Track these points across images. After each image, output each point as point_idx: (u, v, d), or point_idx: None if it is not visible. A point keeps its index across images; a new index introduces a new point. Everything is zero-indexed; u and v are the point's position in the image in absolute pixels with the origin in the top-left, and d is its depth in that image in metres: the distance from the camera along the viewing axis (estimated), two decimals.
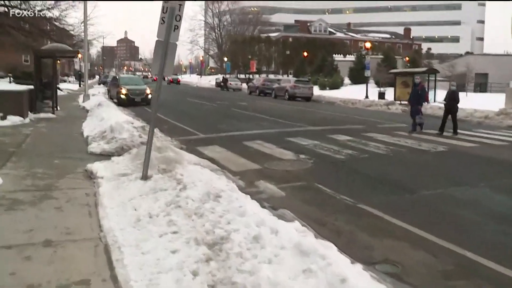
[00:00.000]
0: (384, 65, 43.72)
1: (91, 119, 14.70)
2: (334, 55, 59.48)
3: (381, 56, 49.31)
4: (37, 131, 12.85)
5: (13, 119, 14.19)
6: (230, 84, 49.56)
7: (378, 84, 41.40)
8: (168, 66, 6.25)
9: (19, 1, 31.33)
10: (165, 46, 6.10)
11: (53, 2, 31.39)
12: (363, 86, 45.40)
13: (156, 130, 10.96)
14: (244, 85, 51.85)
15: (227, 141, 12.26)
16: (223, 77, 57.73)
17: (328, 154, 10.51)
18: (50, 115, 16.57)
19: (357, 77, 48.58)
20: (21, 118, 14.49)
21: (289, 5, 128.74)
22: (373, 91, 37.42)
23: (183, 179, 6.08)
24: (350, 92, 39.54)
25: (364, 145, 11.95)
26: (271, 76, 60.06)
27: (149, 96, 24.26)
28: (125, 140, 9.91)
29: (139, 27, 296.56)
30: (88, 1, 25.22)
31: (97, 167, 7.58)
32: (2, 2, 31.02)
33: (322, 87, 45.93)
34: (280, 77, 65.35)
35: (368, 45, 40.46)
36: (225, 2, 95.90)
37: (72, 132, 12.75)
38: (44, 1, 32.13)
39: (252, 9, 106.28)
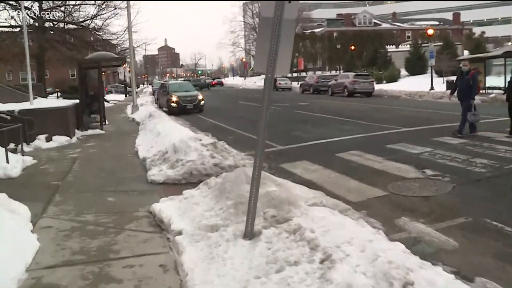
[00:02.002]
0: (446, 52, 39.96)
1: (145, 134, 12.66)
2: (386, 46, 55.84)
3: (440, 43, 45.39)
4: (85, 153, 10.89)
5: (59, 140, 12.38)
6: (280, 83, 46.97)
7: (440, 73, 37.81)
8: (282, 57, 3.84)
9: (62, 14, 30.32)
10: (277, 25, 3.71)
11: (95, 11, 30.21)
12: (422, 76, 41.96)
13: (223, 144, 8.73)
14: (294, 84, 49.24)
15: (315, 153, 9.84)
16: None
17: (460, 167, 7.87)
18: (98, 131, 14.70)
19: (415, 67, 45.14)
20: (68, 138, 12.66)
21: (328, 0, 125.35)
22: (437, 81, 33.97)
23: (316, 238, 3.70)
24: (410, 84, 36.20)
25: (492, 149, 9.23)
26: (318, 73, 57.21)
27: (202, 102, 22.19)
28: (194, 163, 7.66)
29: (178, 33, 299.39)
30: (131, 8, 23.42)
31: (167, 210, 5.33)
32: (48, 17, 30.10)
33: (379, 81, 42.60)
34: (327, 73, 62.43)
35: (430, 31, 36.96)
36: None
37: (124, 152, 10.70)
38: (86, 12, 31.05)
39: (258, 20, 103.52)
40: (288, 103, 26.63)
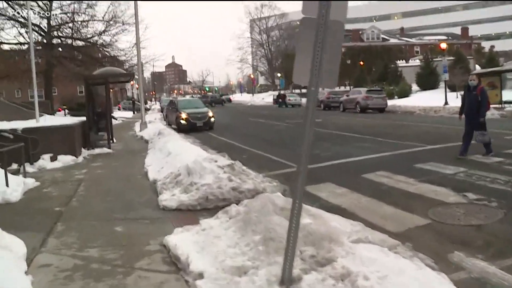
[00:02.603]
0: (459, 66, 39.23)
1: (154, 153, 12.00)
2: (396, 61, 55.23)
3: (452, 58, 44.68)
4: (92, 173, 10.23)
5: (64, 159, 11.76)
6: (289, 99, 46.41)
7: (453, 88, 37.03)
8: (329, 66, 3.14)
9: (70, 30, 30.07)
10: (322, 27, 3.03)
11: (103, 27, 29.92)
12: (434, 91, 41.16)
13: (240, 165, 8.04)
14: (304, 100, 48.56)
15: (339, 174, 9.13)
16: (279, 93, 54.70)
17: (505, 190, 7.09)
18: (105, 149, 14.07)
19: (426, 82, 44.35)
20: (73, 157, 12.03)
21: None
22: (450, 96, 33.19)
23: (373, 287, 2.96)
24: (423, 99, 35.44)
25: None
26: (327, 89, 56.60)
27: (212, 119, 21.55)
28: (210, 187, 6.96)
29: (185, 50, 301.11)
30: (139, 24, 22.98)
31: (184, 245, 4.61)
32: (56, 34, 29.86)
33: (390, 96, 41.80)
34: (336, 88, 61.79)
35: (443, 45, 36.30)
36: (273, 18, 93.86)
37: (133, 172, 10.03)
38: (94, 28, 30.78)
39: (299, 23, 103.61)
40: (299, 119, 25.94)
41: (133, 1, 21.82)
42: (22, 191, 8.05)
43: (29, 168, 10.79)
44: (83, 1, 28.83)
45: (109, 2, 29.90)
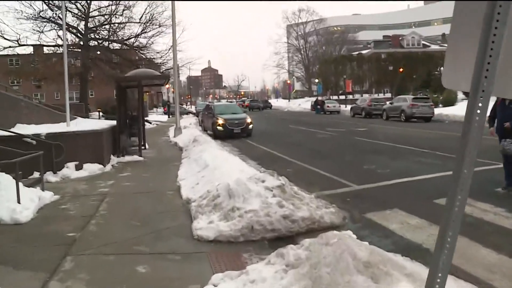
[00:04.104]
0: None
1: (189, 164, 10.80)
2: (440, 68, 52.79)
3: None
4: (118, 186, 9.08)
5: (90, 168, 10.72)
6: (328, 106, 44.73)
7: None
8: (508, 69, 1.77)
9: (107, 32, 29.60)
10: (501, 17, 1.66)
11: (140, 29, 29.29)
12: None
13: (291, 186, 6.70)
14: (343, 107, 46.84)
15: (406, 198, 7.64)
16: (317, 99, 53.07)
17: None
18: (136, 157, 12.98)
19: None
20: (101, 166, 10.98)
21: (373, 22, 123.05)
22: None
23: None
24: None
25: None
26: (365, 96, 54.69)
27: (250, 126, 20.27)
28: (256, 214, 5.63)
29: (221, 54, 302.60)
30: (176, 26, 21.99)
31: None
32: (93, 36, 29.45)
33: (434, 104, 39.62)
34: (374, 95, 59.67)
35: None
36: (310, 23, 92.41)
37: (164, 187, 8.80)
38: (131, 30, 30.23)
39: (336, 28, 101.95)
40: (342, 127, 24.39)
41: (170, 2, 20.84)
42: (36, 208, 6.94)
43: (52, 177, 9.81)
44: (121, 3, 28.25)
45: (147, 3, 29.35)
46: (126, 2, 28.83)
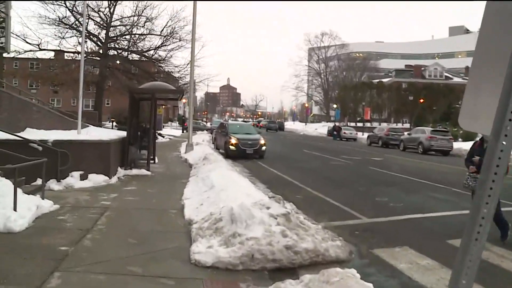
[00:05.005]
0: None
1: (196, 182, 10.53)
2: (460, 102, 52.12)
3: None
4: (121, 200, 8.83)
5: (95, 179, 10.51)
6: (345, 133, 44.31)
7: None
8: None
9: (127, 43, 29.85)
10: None
11: (160, 42, 29.46)
12: None
13: (297, 215, 6.38)
14: (359, 134, 46.31)
15: (418, 235, 7.23)
16: (335, 124, 52.68)
17: None
18: (144, 171, 12.75)
19: None
20: (106, 178, 10.76)
21: (396, 51, 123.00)
22: None
23: None
24: None
25: None
26: (384, 124, 54.13)
27: (263, 147, 19.95)
28: (257, 242, 5.30)
29: (241, 73, 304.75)
30: (196, 41, 22.03)
31: None
32: (113, 45, 29.73)
33: (454, 138, 38.96)
34: (393, 125, 59.06)
35: None
36: (332, 48, 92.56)
37: (168, 205, 8.52)
38: (151, 42, 30.42)
39: (358, 54, 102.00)
40: (358, 156, 23.95)
41: (191, 17, 20.86)
42: (33, 217, 6.71)
43: (55, 185, 9.63)
44: (143, 14, 28.50)
45: (169, 16, 29.56)
46: (148, 14, 29.12)
